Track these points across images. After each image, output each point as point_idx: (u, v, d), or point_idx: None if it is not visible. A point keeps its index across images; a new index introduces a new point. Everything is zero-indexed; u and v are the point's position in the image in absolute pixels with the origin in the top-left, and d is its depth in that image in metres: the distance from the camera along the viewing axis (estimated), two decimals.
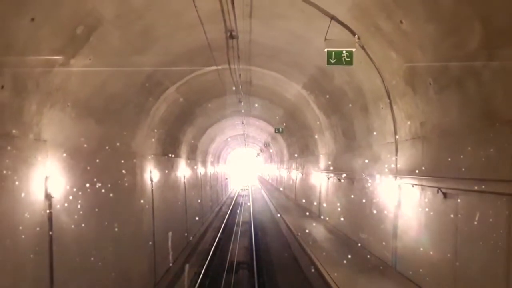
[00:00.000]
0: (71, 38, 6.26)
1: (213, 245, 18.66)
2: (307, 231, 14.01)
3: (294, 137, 22.49)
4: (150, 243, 12.45)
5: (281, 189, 34.32)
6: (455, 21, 4.61)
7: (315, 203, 17.75)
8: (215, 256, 17.10)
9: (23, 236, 5.73)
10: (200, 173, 24.19)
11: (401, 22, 5.51)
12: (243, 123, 25.41)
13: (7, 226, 5.44)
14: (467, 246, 5.41)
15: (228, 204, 38.07)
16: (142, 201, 11.82)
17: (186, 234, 18.12)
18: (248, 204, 35.51)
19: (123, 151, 10.32)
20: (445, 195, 5.80)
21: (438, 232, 6.23)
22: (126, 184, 10.46)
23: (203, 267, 14.67)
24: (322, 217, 16.37)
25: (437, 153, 6.18)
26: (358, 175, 10.47)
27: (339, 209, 12.90)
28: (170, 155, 15.63)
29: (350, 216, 11.71)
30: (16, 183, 5.69)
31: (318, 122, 14.22)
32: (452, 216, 5.64)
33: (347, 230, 12.07)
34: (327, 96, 11.51)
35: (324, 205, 15.74)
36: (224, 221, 25.82)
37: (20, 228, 5.70)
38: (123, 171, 10.29)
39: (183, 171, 18.10)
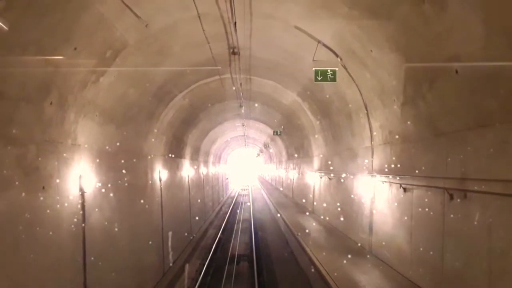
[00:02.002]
0: (102, 60, 7.57)
1: (215, 240, 19.93)
2: (302, 225, 15.35)
3: (291, 139, 23.78)
4: (160, 236, 13.73)
5: (280, 188, 35.59)
6: (409, 53, 5.91)
7: (309, 201, 19.11)
8: (218, 250, 18.40)
9: (64, 223, 7.03)
10: (202, 173, 25.40)
11: (371, 50, 6.81)
12: (243, 125, 26.69)
13: (53, 214, 6.72)
14: (418, 229, 6.83)
15: (228, 203, 39.18)
16: (152, 198, 13.10)
17: (190, 230, 19.40)
18: (248, 204, 36.64)
19: (137, 152, 11.61)
20: (404, 189, 7.14)
21: (400, 219, 7.63)
22: (139, 182, 11.75)
23: (207, 259, 15.95)
24: (315, 213, 17.74)
25: (399, 156, 7.51)
26: (344, 174, 11.85)
27: (329, 205, 14.27)
28: (176, 156, 16.89)
29: (338, 210, 13.07)
30: (58, 180, 6.97)
31: (312, 127, 15.56)
32: (409, 206, 6.99)
33: (336, 223, 13.42)
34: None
35: (317, 201, 17.12)
36: (225, 219, 27.05)
37: (62, 216, 7.00)
38: (137, 171, 11.58)
39: (187, 171, 19.35)
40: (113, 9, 6.72)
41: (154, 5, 7.27)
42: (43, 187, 6.41)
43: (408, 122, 6.75)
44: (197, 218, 22.11)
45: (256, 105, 20.50)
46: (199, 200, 23.96)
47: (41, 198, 6.37)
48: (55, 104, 6.65)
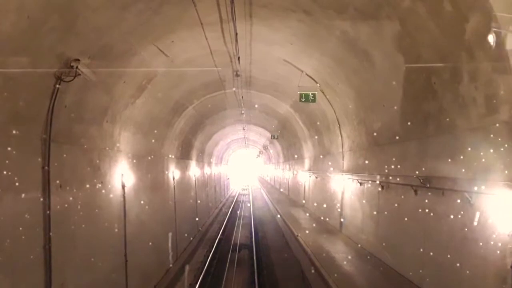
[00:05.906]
0: (139, 87, 10.11)
1: (219, 233, 22.43)
2: (293, 216, 18.03)
3: (287, 142, 26.31)
4: (173, 226, 16.22)
5: (278, 187, 38.07)
6: (359, 88, 8.47)
7: (301, 197, 21.79)
8: (222, 240, 20.93)
9: (113, 209, 9.55)
10: (206, 173, 27.74)
11: (337, 83, 9.38)
12: (244, 129, 29.17)
13: (107, 204, 9.23)
14: (366, 210, 9.48)
15: (229, 202, 41.39)
16: (168, 193, 15.59)
17: (197, 223, 21.90)
18: (248, 204, 38.87)
19: (156, 156, 14.13)
20: (360, 184, 9.74)
21: (357, 205, 10.29)
22: (159, 180, 14.27)
23: (213, 247, 18.49)
24: (306, 207, 20.42)
25: (358, 159, 10.10)
26: (325, 173, 14.48)
27: (316, 199, 16.92)
28: (185, 158, 19.37)
29: (321, 202, 15.78)
30: (110, 177, 9.49)
31: (302, 133, 18.15)
32: (362, 195, 9.59)
33: (320, 212, 16.16)
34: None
35: (307, 197, 19.78)
36: (227, 216, 29.45)
37: (112, 204, 9.52)
38: (157, 171, 14.10)
39: (193, 171, 21.73)
40: (151, 53, 9.29)
41: (179, 48, 9.83)
42: (102, 182, 8.95)
43: (362, 136, 9.32)
44: (202, 213, 24.51)
45: (256, 111, 23.00)
46: (203, 198, 26.33)
47: (101, 190, 8.91)
48: (109, 121, 9.19)
